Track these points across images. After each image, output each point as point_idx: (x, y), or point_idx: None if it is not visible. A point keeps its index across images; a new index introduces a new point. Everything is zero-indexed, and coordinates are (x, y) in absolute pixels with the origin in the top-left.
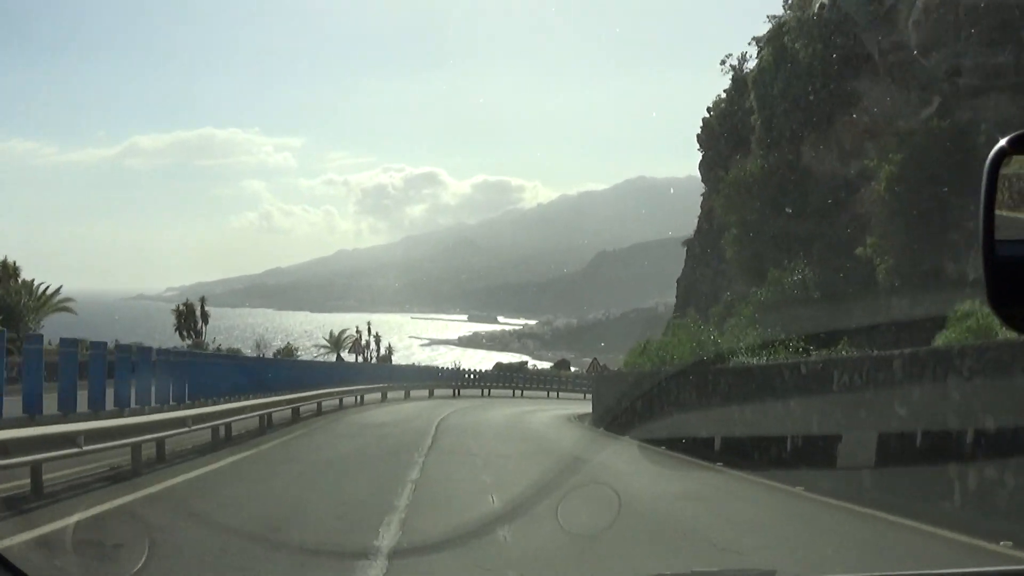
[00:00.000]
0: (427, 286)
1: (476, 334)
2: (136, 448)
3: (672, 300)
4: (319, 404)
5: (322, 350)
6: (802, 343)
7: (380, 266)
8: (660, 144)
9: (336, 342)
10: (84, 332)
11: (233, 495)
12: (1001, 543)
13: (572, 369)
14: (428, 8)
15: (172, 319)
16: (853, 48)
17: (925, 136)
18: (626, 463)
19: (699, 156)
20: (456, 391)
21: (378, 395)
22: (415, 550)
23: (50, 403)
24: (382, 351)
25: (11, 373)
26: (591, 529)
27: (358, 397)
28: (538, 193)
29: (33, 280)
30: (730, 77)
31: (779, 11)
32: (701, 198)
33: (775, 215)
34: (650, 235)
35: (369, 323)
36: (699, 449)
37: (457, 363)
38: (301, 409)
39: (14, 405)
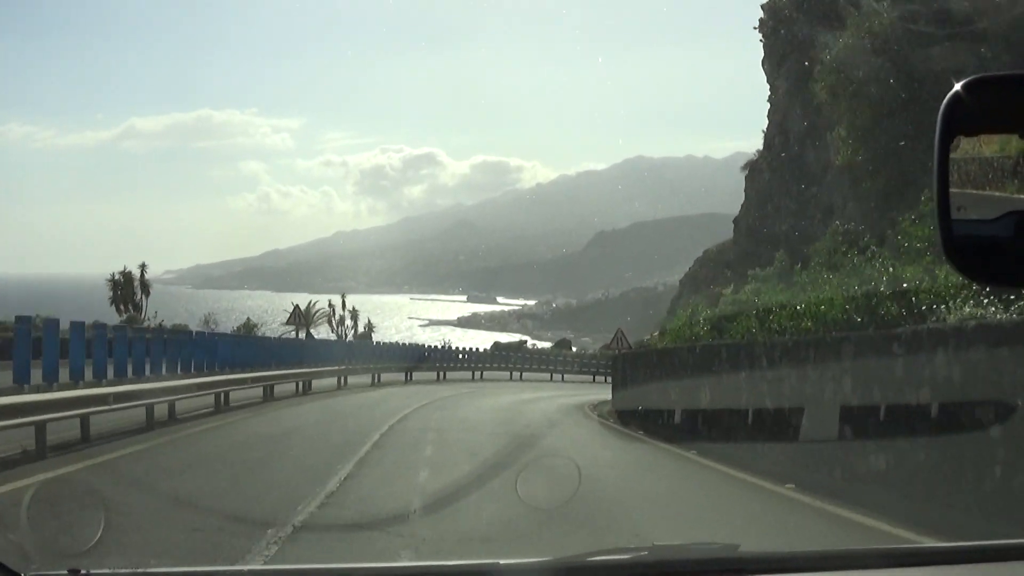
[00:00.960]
0: (426, 267)
1: (475, 314)
2: None
3: (672, 279)
4: (268, 388)
5: (289, 327)
6: None
7: (379, 247)
8: (658, 124)
9: (303, 317)
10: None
11: None
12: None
13: (573, 349)
14: None
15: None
16: None
17: None
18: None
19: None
20: (441, 374)
21: (334, 380)
22: None
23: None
24: (361, 328)
25: None
26: None
27: (300, 384)
28: (537, 173)
29: None
30: None
31: None
32: (768, 105)
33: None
34: (649, 215)
35: (344, 296)
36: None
37: (447, 341)
38: (230, 396)
39: None
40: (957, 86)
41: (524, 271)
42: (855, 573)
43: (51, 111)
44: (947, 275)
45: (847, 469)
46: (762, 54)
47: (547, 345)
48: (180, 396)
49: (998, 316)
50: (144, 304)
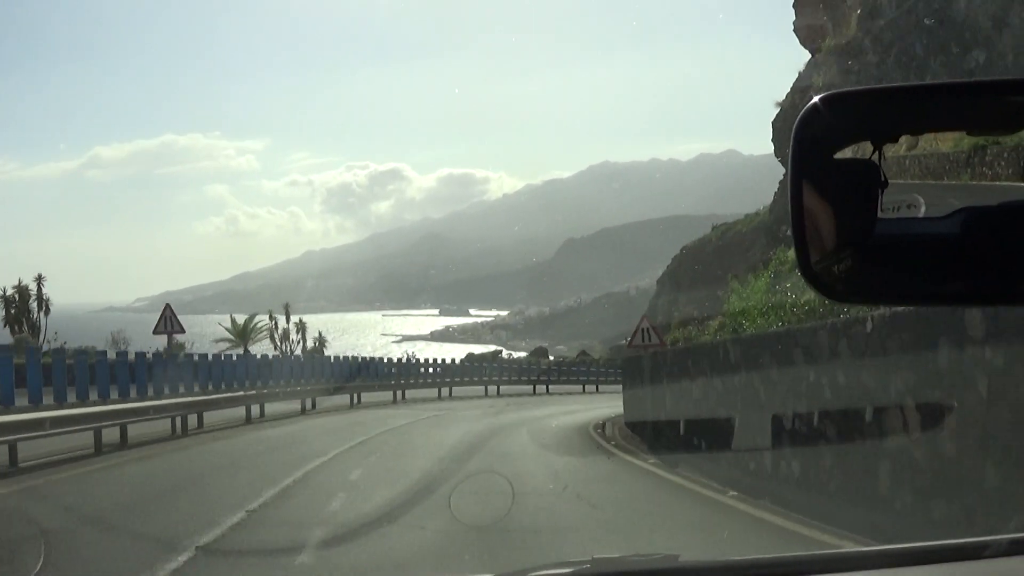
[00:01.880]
0: (397, 283)
1: (448, 328)
2: None
3: (643, 283)
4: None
5: (224, 344)
6: None
7: (349, 265)
8: (623, 129)
9: (242, 333)
10: None
11: None
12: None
13: (551, 357)
14: (384, 5)
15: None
16: None
17: None
18: None
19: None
20: (399, 394)
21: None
22: None
23: None
24: (310, 342)
25: None
26: None
27: (179, 421)
28: (503, 183)
29: None
30: None
31: None
32: None
33: None
34: (617, 220)
35: (287, 306)
36: None
37: (410, 354)
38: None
39: None
40: (815, 99)
41: (495, 282)
42: None
43: (13, 144)
44: None
45: None
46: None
47: (522, 355)
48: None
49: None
50: (43, 324)
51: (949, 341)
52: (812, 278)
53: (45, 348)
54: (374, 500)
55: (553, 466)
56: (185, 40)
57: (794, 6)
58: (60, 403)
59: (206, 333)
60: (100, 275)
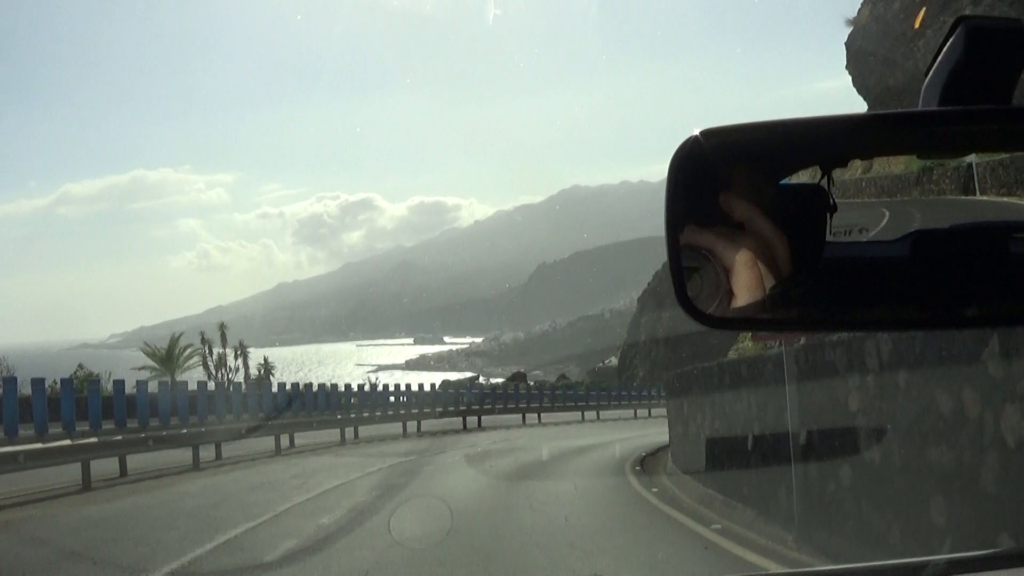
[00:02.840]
0: (370, 312)
1: (423, 356)
2: None
3: (619, 305)
4: None
5: (148, 372)
6: None
7: (321, 296)
8: (592, 152)
9: (166, 360)
10: None
11: None
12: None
13: (531, 383)
14: (352, 36)
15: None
16: None
17: None
18: None
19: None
20: (351, 431)
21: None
22: None
23: None
24: (252, 369)
25: None
26: None
27: None
28: (474, 210)
29: None
30: None
31: None
32: None
33: None
34: (589, 243)
35: (223, 324)
36: None
37: (372, 380)
38: None
39: None
40: (695, 132)
41: (469, 309)
42: None
43: None
44: None
45: None
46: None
47: (499, 381)
48: None
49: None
50: None
51: None
52: (688, 307)
53: None
54: None
55: None
56: (153, 75)
57: None
58: None
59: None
60: (73, 312)
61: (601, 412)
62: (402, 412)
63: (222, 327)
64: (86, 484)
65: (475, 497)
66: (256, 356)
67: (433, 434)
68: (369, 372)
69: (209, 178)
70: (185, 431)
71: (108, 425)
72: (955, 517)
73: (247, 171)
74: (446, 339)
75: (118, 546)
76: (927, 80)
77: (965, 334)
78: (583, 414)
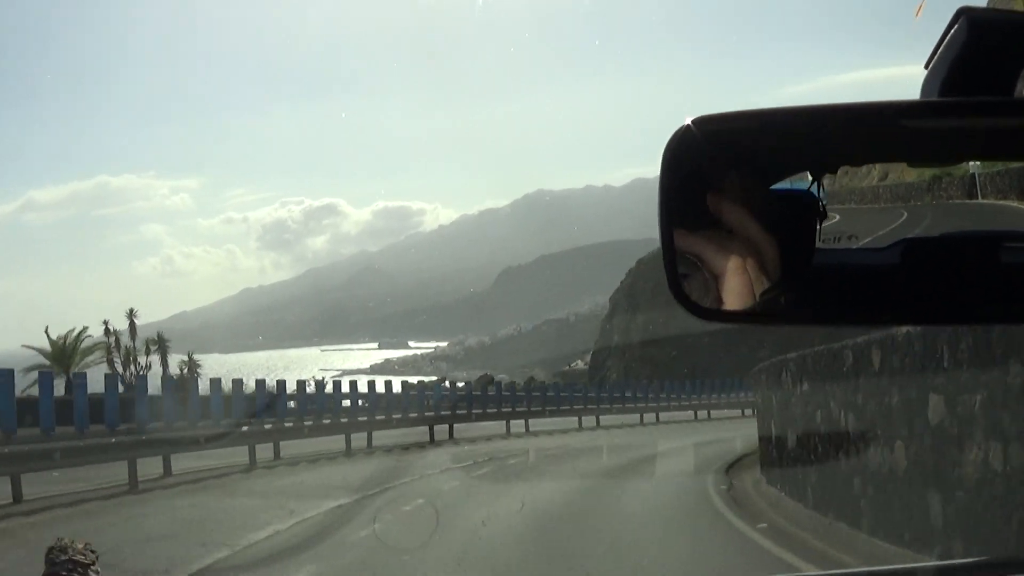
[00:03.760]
0: (335, 317)
1: (388, 361)
2: None
3: (585, 309)
4: None
5: (27, 373)
6: None
7: (287, 301)
8: (557, 156)
9: (59, 354)
10: None
11: None
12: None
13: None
14: (314, 38)
15: None
16: None
17: None
18: None
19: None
20: (259, 452)
21: None
22: None
23: None
24: (175, 366)
25: None
26: None
27: None
28: (439, 215)
29: None
30: None
31: None
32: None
33: None
34: (553, 247)
35: (132, 311)
36: None
37: (319, 378)
38: None
39: None
40: (687, 120)
41: (434, 313)
42: None
43: None
44: None
45: None
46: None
47: (462, 384)
48: None
49: None
50: None
51: None
52: (682, 300)
53: None
54: None
55: None
56: (116, 80)
57: None
58: None
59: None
60: (40, 319)
61: (601, 417)
62: (343, 421)
63: (131, 317)
64: None
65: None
66: (221, 362)
67: (389, 451)
68: (333, 377)
69: (173, 183)
70: None
71: None
72: None
73: (211, 176)
74: (411, 344)
75: None
76: (927, 73)
77: None
78: (580, 420)
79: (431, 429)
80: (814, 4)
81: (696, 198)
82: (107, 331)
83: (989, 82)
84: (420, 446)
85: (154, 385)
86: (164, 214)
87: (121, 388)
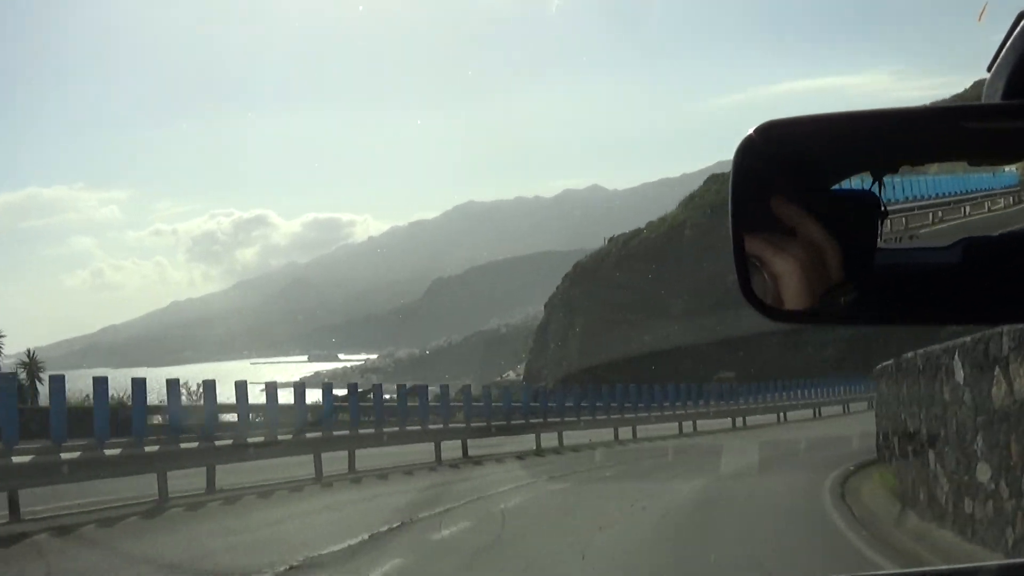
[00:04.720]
0: (264, 330)
1: (318, 374)
2: None
3: (516, 320)
4: None
5: None
6: None
7: (215, 314)
8: (487, 168)
9: None
10: None
11: None
12: None
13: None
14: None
15: None
16: None
17: None
18: None
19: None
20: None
21: None
22: None
23: None
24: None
25: None
26: None
27: None
28: (369, 226)
29: None
30: None
31: None
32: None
33: None
34: (484, 258)
35: None
36: None
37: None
38: None
39: None
40: (750, 131)
41: (364, 326)
42: None
43: None
44: None
45: None
46: None
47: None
48: None
49: None
50: None
51: None
52: (754, 301)
53: None
54: None
55: None
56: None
57: None
58: None
59: (74, 388)
60: None
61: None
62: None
63: None
64: None
65: None
66: (149, 376)
67: (275, 480)
68: (261, 391)
69: (103, 195)
70: None
71: None
72: None
73: (140, 188)
74: (341, 356)
75: None
76: (990, 76)
77: None
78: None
79: (350, 456)
80: (744, 12)
81: (762, 203)
82: None
83: None
84: (342, 471)
85: None
86: (93, 226)
87: None
